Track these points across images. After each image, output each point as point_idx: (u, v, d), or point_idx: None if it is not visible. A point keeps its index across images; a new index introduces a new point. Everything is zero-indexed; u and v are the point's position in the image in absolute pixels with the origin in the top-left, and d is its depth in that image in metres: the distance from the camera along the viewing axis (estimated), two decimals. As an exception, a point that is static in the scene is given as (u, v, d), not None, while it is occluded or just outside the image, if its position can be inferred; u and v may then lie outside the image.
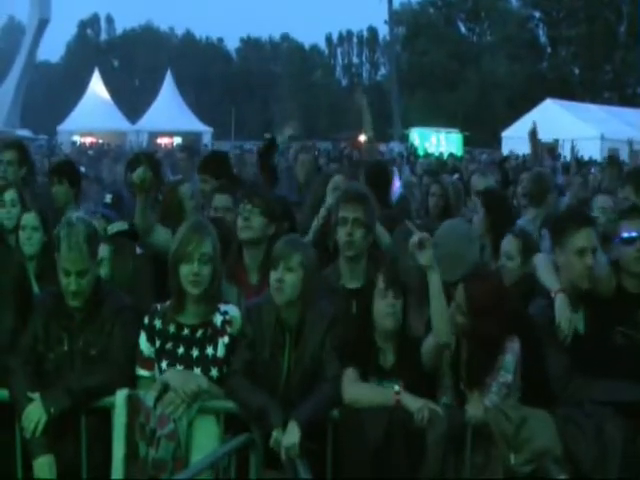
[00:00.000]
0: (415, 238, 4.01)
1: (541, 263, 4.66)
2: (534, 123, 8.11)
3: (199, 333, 4.25)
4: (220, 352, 4.23)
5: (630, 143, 19.79)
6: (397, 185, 8.36)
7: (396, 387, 4.14)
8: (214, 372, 4.21)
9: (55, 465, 4.14)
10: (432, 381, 4.26)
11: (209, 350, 4.23)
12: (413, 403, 3.99)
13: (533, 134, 7.91)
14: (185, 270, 4.15)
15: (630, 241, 4.50)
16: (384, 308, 4.20)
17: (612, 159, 10.28)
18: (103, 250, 4.86)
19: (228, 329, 4.26)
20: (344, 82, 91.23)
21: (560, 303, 4.36)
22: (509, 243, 5.24)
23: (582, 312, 4.44)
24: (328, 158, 9.34)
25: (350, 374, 4.15)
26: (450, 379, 4.22)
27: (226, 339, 4.24)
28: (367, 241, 4.77)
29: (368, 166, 7.29)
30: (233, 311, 4.32)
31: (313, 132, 41.99)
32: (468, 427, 4.02)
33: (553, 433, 3.98)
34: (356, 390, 4.09)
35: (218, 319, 4.27)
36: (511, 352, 4.16)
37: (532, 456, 3.94)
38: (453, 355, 4.21)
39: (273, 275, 4.22)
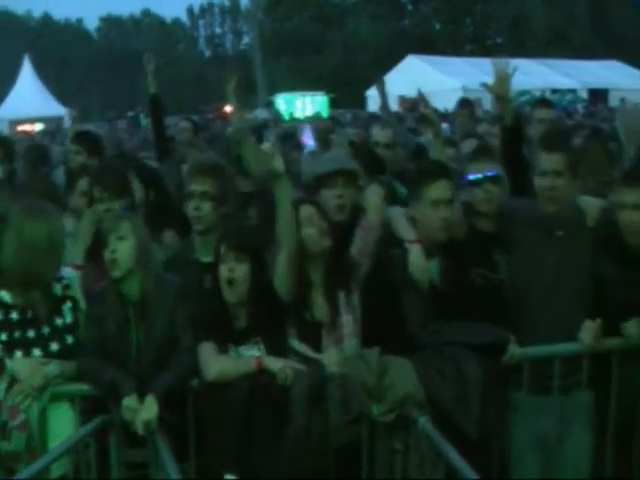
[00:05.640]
0: None
1: (395, 215, 4.68)
2: (380, 78, 8.06)
3: (42, 309, 4.12)
4: (68, 318, 4.16)
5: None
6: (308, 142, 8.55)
7: (255, 352, 4.12)
8: (70, 340, 4.14)
9: None
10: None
11: (58, 321, 4.14)
12: (274, 364, 3.98)
13: (380, 86, 7.79)
14: None
15: (477, 182, 4.56)
16: (223, 274, 4.14)
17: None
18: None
19: (68, 293, 4.20)
20: (207, 53, 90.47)
21: (413, 254, 4.39)
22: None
23: (438, 260, 4.46)
24: (195, 127, 9.19)
25: (207, 349, 4.09)
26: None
27: (69, 304, 4.19)
28: (217, 214, 4.69)
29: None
30: (68, 274, 4.26)
31: (180, 105, 41.33)
32: (329, 382, 4.02)
33: (414, 379, 4.03)
34: (216, 366, 4.02)
35: (58, 287, 4.19)
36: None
37: (394, 404, 3.97)
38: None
39: (106, 251, 4.14)
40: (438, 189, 4.40)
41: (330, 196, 4.59)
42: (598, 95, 37.96)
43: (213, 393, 3.98)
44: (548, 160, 4.44)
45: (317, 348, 4.22)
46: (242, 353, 4.15)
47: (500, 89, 5.14)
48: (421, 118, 7.51)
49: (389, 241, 4.58)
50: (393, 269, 4.44)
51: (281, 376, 3.92)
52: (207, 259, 4.58)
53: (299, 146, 8.48)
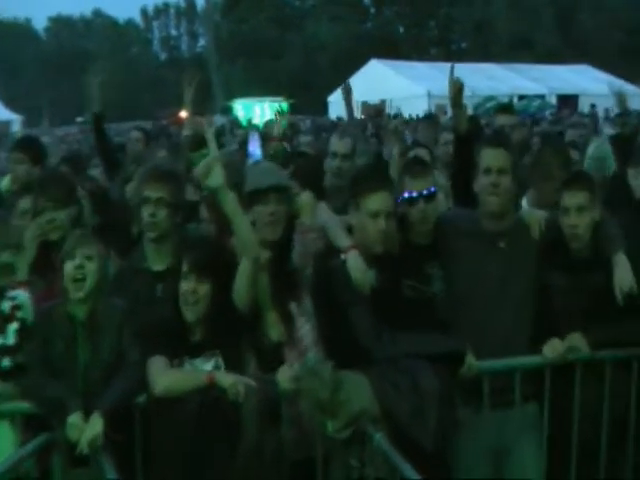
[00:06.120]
0: None
1: (329, 222, 4.62)
2: (347, 83, 7.96)
3: None
4: (10, 339, 4.08)
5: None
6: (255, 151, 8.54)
7: (207, 367, 4.03)
8: (6, 362, 4.05)
9: None
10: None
11: None
12: (225, 380, 3.88)
13: (346, 91, 7.71)
14: None
15: (412, 202, 4.47)
16: (184, 292, 4.06)
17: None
18: None
19: (17, 314, 4.11)
20: (163, 56, 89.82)
21: (351, 259, 4.29)
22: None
23: (374, 270, 4.35)
24: (147, 137, 8.92)
25: (157, 363, 3.98)
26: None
27: (15, 325, 4.10)
28: (172, 221, 4.56)
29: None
30: (21, 296, 4.17)
31: (135, 110, 40.93)
32: (282, 399, 3.97)
33: (369, 394, 3.93)
34: (165, 380, 3.91)
35: (5, 305, 4.11)
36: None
37: (350, 419, 3.86)
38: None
39: (70, 265, 3.99)
40: (378, 201, 4.29)
41: (264, 213, 4.34)
42: (568, 101, 37.50)
43: (163, 408, 3.87)
44: (492, 156, 4.40)
45: None
46: (197, 366, 4.06)
47: (453, 96, 5.06)
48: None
49: (329, 251, 4.50)
50: (335, 281, 4.31)
51: (232, 392, 3.82)
52: (159, 267, 4.49)
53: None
